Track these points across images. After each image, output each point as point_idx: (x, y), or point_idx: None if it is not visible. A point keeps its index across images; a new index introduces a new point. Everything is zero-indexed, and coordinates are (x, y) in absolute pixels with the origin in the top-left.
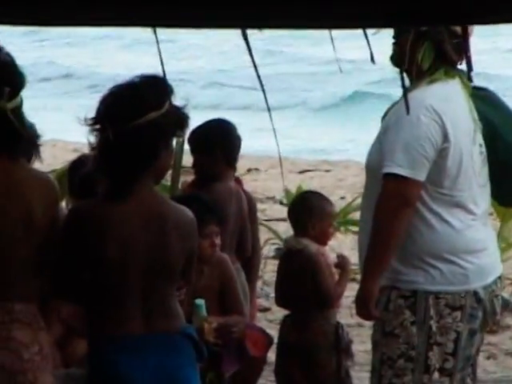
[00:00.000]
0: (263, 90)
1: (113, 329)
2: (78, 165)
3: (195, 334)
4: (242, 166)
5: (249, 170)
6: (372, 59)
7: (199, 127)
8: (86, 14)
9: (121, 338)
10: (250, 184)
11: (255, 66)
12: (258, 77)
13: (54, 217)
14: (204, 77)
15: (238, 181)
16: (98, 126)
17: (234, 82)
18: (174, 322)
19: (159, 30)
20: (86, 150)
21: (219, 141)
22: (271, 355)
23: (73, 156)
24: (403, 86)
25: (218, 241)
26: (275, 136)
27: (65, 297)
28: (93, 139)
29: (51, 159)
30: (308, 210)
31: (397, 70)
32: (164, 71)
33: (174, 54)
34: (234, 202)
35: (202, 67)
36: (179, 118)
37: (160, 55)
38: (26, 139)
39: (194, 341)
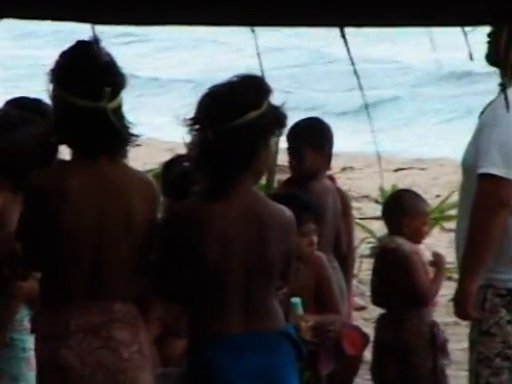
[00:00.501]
0: (361, 88)
1: (212, 328)
2: (172, 165)
3: (295, 333)
4: (336, 164)
5: (343, 169)
6: (471, 57)
7: (296, 126)
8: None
9: (220, 337)
10: (345, 182)
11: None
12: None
13: (153, 217)
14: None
15: (332, 179)
16: (197, 126)
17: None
18: (274, 322)
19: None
20: (181, 150)
21: (315, 139)
22: (367, 354)
23: (168, 156)
24: (502, 83)
25: (316, 239)
26: (373, 134)
27: (164, 296)
28: (188, 139)
29: (146, 159)
30: (402, 209)
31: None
32: (262, 71)
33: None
34: (330, 200)
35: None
36: (277, 117)
37: (258, 55)
38: (125, 139)
39: (293, 340)
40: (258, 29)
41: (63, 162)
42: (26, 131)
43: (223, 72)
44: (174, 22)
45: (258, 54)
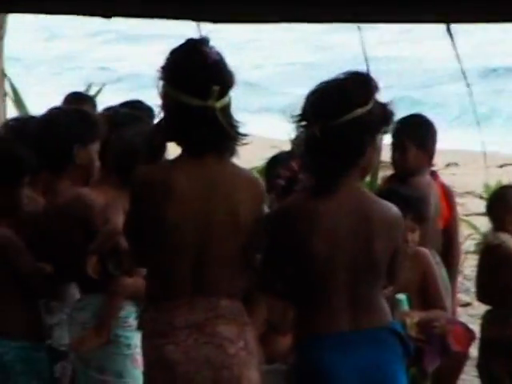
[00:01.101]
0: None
1: (320, 326)
2: (276, 161)
3: (402, 330)
4: (440, 160)
5: (447, 165)
6: None
7: (400, 122)
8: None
9: (328, 335)
10: (449, 178)
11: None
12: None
13: (259, 214)
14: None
15: (435, 175)
16: (303, 123)
17: None
18: (381, 318)
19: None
20: (285, 147)
21: (419, 136)
22: (473, 350)
23: (271, 153)
24: None
25: (413, 236)
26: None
27: (271, 293)
28: (293, 136)
29: (250, 156)
30: (505, 205)
31: None
32: (367, 66)
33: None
34: (432, 197)
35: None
36: (384, 114)
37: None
38: (233, 138)
39: (400, 336)
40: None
41: (170, 159)
42: (135, 129)
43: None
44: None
45: (364, 49)
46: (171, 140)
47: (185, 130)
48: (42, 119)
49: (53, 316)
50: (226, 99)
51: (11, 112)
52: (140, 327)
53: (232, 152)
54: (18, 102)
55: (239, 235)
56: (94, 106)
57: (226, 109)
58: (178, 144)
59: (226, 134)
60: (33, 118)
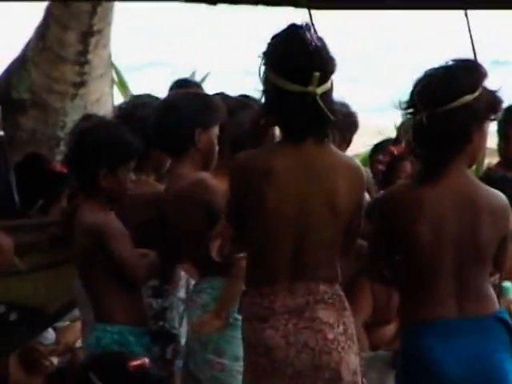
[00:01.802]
0: None
1: (426, 312)
2: (379, 149)
3: (508, 318)
4: None
5: None
6: None
7: (507, 109)
8: None
9: (434, 322)
10: None
11: None
12: None
13: (360, 200)
14: None
15: None
16: (411, 109)
17: None
18: (488, 306)
19: None
20: (391, 133)
21: None
22: None
23: (377, 139)
24: None
25: None
26: None
27: (377, 280)
28: (399, 122)
29: (354, 141)
30: None
31: None
32: (475, 54)
33: None
34: None
35: None
36: (492, 101)
37: (472, 41)
38: (333, 124)
39: (507, 325)
40: None
41: (271, 144)
42: (247, 114)
43: None
44: None
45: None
46: (274, 125)
47: (285, 115)
48: (163, 103)
49: (164, 299)
50: (327, 85)
51: (119, 99)
52: (240, 311)
53: (332, 138)
54: (125, 91)
55: (338, 220)
56: None
57: (327, 94)
58: (280, 129)
59: (326, 120)
60: (145, 103)
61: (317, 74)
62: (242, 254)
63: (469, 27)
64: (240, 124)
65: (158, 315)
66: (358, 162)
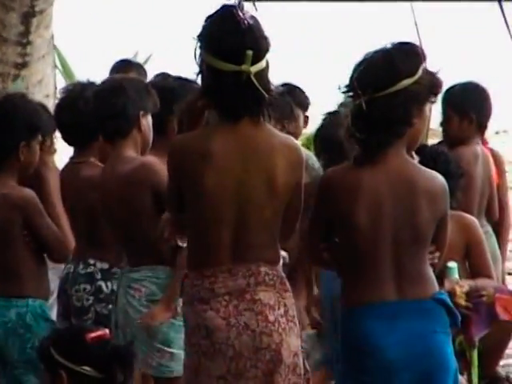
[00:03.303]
0: None
1: (365, 295)
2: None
3: (448, 300)
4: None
5: (497, 133)
6: None
7: (454, 88)
8: None
9: (373, 304)
10: (498, 147)
11: None
12: None
13: (298, 181)
14: None
15: (484, 142)
16: (350, 94)
17: None
18: (427, 288)
19: None
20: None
21: (462, 105)
22: None
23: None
24: None
25: None
26: None
27: (316, 262)
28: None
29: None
30: None
31: None
32: (419, 37)
33: None
34: (479, 165)
35: None
36: (433, 84)
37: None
38: (268, 103)
39: (447, 306)
40: None
41: (207, 126)
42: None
43: None
44: None
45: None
46: (209, 106)
47: (220, 95)
48: (109, 85)
49: (114, 282)
50: (261, 63)
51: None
52: (181, 293)
53: (268, 117)
54: (68, 73)
55: (277, 201)
56: (143, 73)
57: (262, 73)
58: (215, 109)
59: (261, 99)
60: (91, 84)
61: (249, 52)
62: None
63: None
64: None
65: (108, 298)
66: (295, 141)
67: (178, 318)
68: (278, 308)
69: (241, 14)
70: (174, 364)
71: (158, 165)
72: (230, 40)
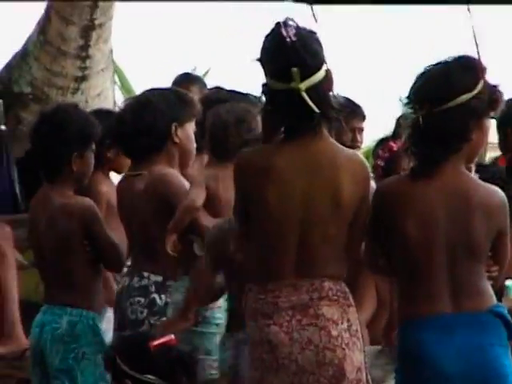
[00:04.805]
0: None
1: (422, 308)
2: (381, 143)
3: (505, 312)
4: None
5: None
6: None
7: (506, 104)
8: None
9: (430, 317)
10: None
11: None
12: None
13: (364, 195)
14: None
15: None
16: (410, 107)
17: None
18: (483, 301)
19: None
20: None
21: None
22: None
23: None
24: None
25: None
26: None
27: (376, 271)
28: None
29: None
30: None
31: None
32: (477, 45)
33: None
34: None
35: None
36: (492, 99)
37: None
38: (327, 118)
39: (504, 319)
40: None
41: (272, 143)
42: (227, 106)
43: None
44: None
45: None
46: (273, 124)
47: (277, 113)
48: (137, 101)
49: (167, 295)
50: (313, 78)
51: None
52: (244, 307)
53: (329, 131)
54: (126, 88)
55: (342, 215)
56: (203, 86)
57: (317, 88)
58: (279, 127)
59: (315, 114)
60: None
61: (294, 69)
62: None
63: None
64: (220, 114)
65: (162, 310)
66: (360, 155)
67: (200, 325)
68: (342, 323)
69: (284, 31)
70: (199, 369)
71: (172, 176)
72: (276, 58)
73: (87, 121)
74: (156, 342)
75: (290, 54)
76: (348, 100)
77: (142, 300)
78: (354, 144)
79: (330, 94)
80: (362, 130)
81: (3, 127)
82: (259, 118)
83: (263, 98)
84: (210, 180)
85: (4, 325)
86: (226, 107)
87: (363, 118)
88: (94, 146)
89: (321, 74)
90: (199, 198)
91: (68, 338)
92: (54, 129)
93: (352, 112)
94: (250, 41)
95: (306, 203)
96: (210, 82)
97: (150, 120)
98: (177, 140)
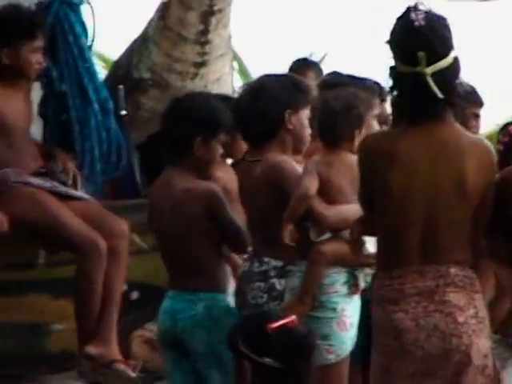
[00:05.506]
0: None
1: None
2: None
3: None
4: None
5: None
6: None
7: None
8: None
9: None
10: None
11: None
12: None
13: (490, 181)
14: None
15: None
16: None
17: None
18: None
19: None
20: None
21: None
22: None
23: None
24: None
25: None
26: None
27: (497, 260)
28: None
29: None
30: None
31: None
32: None
33: None
34: None
35: None
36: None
37: None
38: (451, 104)
39: None
40: None
41: (396, 128)
42: (336, 92)
43: None
44: None
45: None
46: (395, 106)
47: (403, 97)
48: (251, 88)
49: (287, 280)
50: (440, 64)
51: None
52: (371, 294)
53: (455, 117)
54: (244, 73)
55: (467, 201)
56: (320, 72)
57: (444, 73)
58: (404, 111)
59: (440, 99)
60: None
61: (421, 53)
62: (319, 239)
63: None
64: (329, 101)
65: (281, 295)
66: (486, 141)
67: (316, 310)
68: (468, 309)
69: (414, 15)
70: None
71: (285, 163)
72: (403, 42)
73: (215, 109)
74: (275, 325)
75: (417, 38)
76: (470, 87)
77: (262, 285)
78: (469, 130)
79: (456, 81)
80: (478, 116)
81: (125, 112)
82: (369, 102)
83: (386, 83)
84: (321, 167)
85: (101, 325)
86: (333, 93)
87: (480, 104)
88: (223, 137)
89: (448, 61)
90: (312, 185)
91: (208, 323)
92: (180, 113)
93: (469, 98)
94: (368, 27)
95: (431, 189)
96: (327, 68)
97: (263, 106)
98: (290, 127)
